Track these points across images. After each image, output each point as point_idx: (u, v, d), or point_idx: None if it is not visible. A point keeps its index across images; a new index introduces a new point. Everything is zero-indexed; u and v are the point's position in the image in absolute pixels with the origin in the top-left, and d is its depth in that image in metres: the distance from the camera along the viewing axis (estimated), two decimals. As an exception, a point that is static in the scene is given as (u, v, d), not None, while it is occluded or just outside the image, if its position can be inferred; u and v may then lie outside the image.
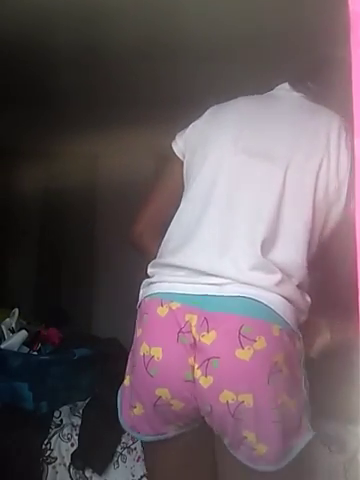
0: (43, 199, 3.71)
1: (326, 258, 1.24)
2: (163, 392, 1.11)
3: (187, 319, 1.10)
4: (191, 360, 1.09)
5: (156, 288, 1.19)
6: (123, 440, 1.75)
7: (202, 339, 1.08)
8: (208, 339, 1.08)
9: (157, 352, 1.11)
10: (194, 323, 1.09)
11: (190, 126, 1.36)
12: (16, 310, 2.14)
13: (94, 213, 3.70)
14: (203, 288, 1.12)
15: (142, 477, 1.68)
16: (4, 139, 3.20)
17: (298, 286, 1.16)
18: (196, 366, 1.08)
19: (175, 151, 1.36)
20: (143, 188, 1.46)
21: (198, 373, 1.08)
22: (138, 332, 1.18)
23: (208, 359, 1.07)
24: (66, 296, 3.71)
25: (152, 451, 1.25)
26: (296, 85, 1.34)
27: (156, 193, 1.41)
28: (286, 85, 1.36)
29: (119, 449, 1.75)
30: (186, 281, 1.14)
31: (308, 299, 1.18)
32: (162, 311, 1.13)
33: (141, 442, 1.32)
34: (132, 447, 1.73)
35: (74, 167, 3.36)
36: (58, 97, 3.02)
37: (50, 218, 3.74)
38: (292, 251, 1.17)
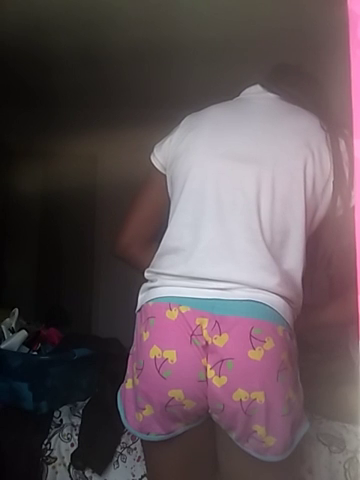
0: (43, 199, 3.71)
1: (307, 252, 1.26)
2: (176, 393, 1.12)
3: (198, 323, 1.12)
4: (204, 361, 1.11)
5: (160, 292, 1.19)
6: (123, 440, 1.75)
7: (215, 341, 1.10)
8: (221, 341, 1.10)
9: (171, 355, 1.12)
10: (205, 326, 1.11)
11: (167, 139, 1.35)
12: (16, 310, 2.14)
13: (94, 213, 3.71)
14: (211, 293, 1.14)
15: (142, 477, 1.68)
16: (4, 139, 3.21)
17: (297, 283, 1.18)
18: (209, 367, 1.11)
19: (155, 165, 1.37)
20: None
21: (211, 373, 1.10)
22: (144, 336, 1.17)
23: (222, 360, 1.09)
24: (66, 296, 3.72)
25: (153, 450, 1.25)
26: (269, 86, 1.35)
27: (140, 205, 1.40)
28: (258, 87, 1.36)
29: (119, 449, 1.74)
30: (192, 285, 1.15)
31: (301, 296, 1.21)
32: (171, 315, 1.14)
33: (141, 441, 1.32)
34: (132, 447, 1.73)
35: (74, 167, 3.37)
36: (58, 98, 3.03)
37: (50, 218, 3.75)
38: (291, 249, 1.19)
